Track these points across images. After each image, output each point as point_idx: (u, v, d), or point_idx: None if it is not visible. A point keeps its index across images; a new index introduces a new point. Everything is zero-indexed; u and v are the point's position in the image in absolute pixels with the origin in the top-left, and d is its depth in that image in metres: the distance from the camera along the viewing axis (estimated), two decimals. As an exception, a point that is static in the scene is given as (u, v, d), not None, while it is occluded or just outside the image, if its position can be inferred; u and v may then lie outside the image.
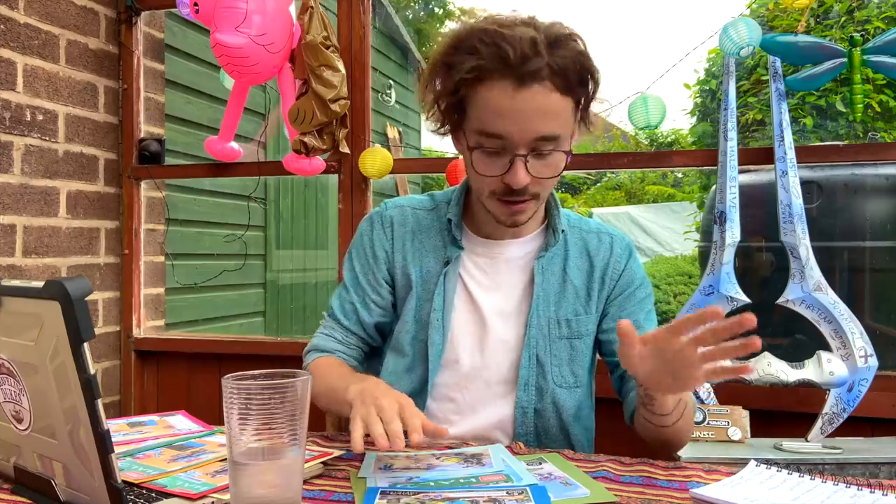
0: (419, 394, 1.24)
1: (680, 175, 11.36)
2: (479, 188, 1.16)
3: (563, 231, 1.25)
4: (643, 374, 0.97)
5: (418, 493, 0.87)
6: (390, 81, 6.35)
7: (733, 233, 1.76)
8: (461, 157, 1.35)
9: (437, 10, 12.67)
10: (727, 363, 0.90)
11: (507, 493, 0.87)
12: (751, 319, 0.83)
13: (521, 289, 1.24)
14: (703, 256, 2.22)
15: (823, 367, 1.64)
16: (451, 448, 1.09)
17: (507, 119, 1.06)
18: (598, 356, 1.32)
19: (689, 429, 1.16)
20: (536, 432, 1.22)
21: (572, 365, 1.23)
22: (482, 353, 1.22)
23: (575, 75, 1.07)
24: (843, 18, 4.67)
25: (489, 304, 1.23)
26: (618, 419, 1.27)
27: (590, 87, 1.12)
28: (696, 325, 0.87)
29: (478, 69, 1.06)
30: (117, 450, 0.92)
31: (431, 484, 0.90)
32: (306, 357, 1.33)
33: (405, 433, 0.95)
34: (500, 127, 1.07)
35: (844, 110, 4.25)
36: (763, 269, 2.14)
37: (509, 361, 1.22)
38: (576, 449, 1.25)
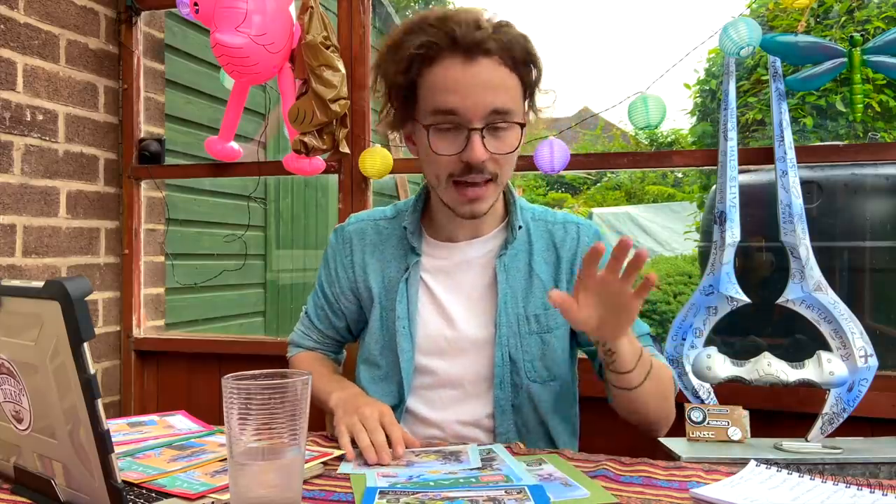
0: (397, 401, 1.25)
1: (680, 175, 11.37)
2: (436, 174, 1.16)
3: (521, 227, 1.26)
4: (592, 326, 1.01)
5: (418, 492, 0.87)
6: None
7: (733, 233, 1.76)
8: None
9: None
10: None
11: (506, 492, 0.87)
12: (626, 240, 0.93)
13: (484, 288, 1.24)
14: (703, 256, 2.22)
15: (823, 367, 1.64)
16: (430, 447, 1.10)
17: (459, 93, 1.09)
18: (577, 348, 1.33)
19: (660, 394, 1.16)
20: (516, 428, 1.23)
21: (545, 360, 1.24)
22: (454, 355, 1.23)
23: (520, 53, 1.12)
24: (843, 18, 4.67)
25: (455, 305, 1.24)
26: (613, 417, 1.26)
27: (533, 72, 1.15)
28: (596, 257, 0.97)
29: (426, 45, 1.10)
30: (117, 450, 0.92)
31: (431, 484, 0.90)
32: (289, 349, 1.46)
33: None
34: (454, 101, 1.09)
35: (844, 110, 4.25)
36: (763, 269, 2.14)
37: (483, 361, 1.23)
38: (557, 441, 1.26)
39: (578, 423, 1.34)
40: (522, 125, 1.15)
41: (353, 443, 1.04)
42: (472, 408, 1.23)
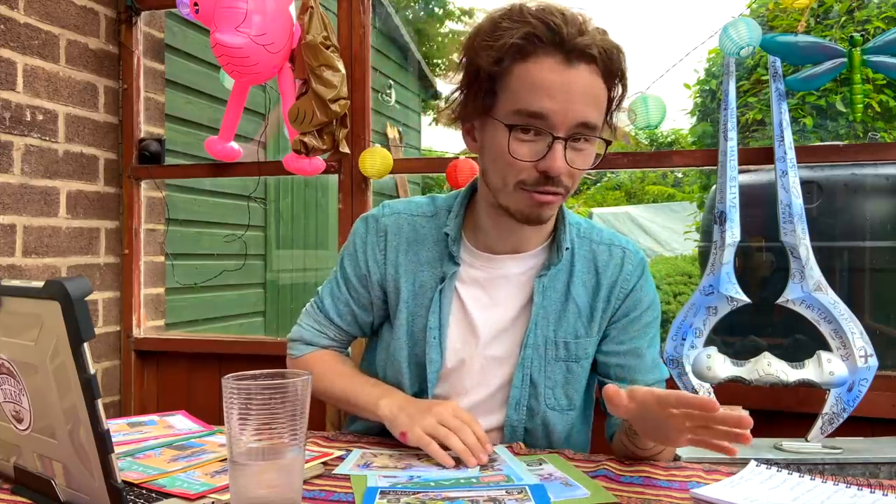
0: None
1: (680, 175, 11.36)
2: (504, 177, 1.07)
3: (568, 248, 1.18)
4: (630, 420, 0.97)
5: (418, 492, 0.87)
6: (390, 81, 6.35)
7: (733, 233, 1.76)
8: (461, 156, 1.30)
9: (437, 10, 12.67)
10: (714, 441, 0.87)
11: (506, 492, 0.87)
12: (748, 421, 0.81)
13: (518, 307, 1.18)
14: (703, 256, 2.22)
15: (823, 367, 1.64)
16: None
17: (553, 97, 1.00)
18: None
19: (668, 455, 1.10)
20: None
21: (567, 388, 1.18)
22: (474, 369, 1.18)
23: (616, 66, 1.05)
24: (843, 18, 4.67)
25: (484, 320, 1.18)
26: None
27: (620, 88, 1.08)
28: (686, 407, 0.85)
29: (527, 37, 1.00)
30: (117, 450, 0.92)
31: (432, 484, 0.90)
32: (293, 347, 1.31)
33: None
34: (545, 104, 1.01)
35: (844, 110, 4.25)
36: (763, 269, 2.14)
37: (501, 379, 1.18)
38: None
39: (589, 444, 1.29)
40: (608, 142, 1.08)
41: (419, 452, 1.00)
42: (484, 422, 1.16)
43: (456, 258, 1.18)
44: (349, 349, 1.36)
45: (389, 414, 1.09)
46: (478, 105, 1.08)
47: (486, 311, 1.18)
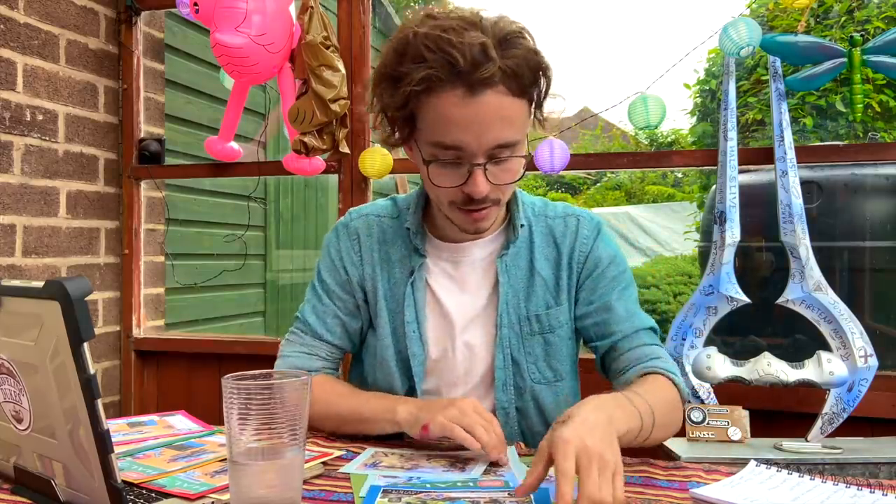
0: None
1: (680, 175, 11.36)
2: (437, 199, 1.14)
3: (523, 225, 1.23)
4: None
5: (420, 492, 0.87)
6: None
7: (733, 233, 1.76)
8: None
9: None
10: None
11: (508, 494, 0.87)
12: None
13: (488, 290, 1.21)
14: (703, 256, 2.22)
15: (823, 367, 1.64)
16: (444, 451, 1.08)
17: (461, 129, 1.02)
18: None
19: (666, 426, 1.09)
20: (521, 430, 1.21)
21: (549, 360, 1.21)
22: (455, 358, 1.21)
23: (528, 75, 1.04)
24: (843, 18, 4.67)
25: (457, 308, 1.21)
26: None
27: (542, 84, 1.08)
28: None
29: (426, 80, 1.01)
30: (117, 450, 0.92)
31: (428, 486, 0.90)
32: None
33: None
34: (456, 137, 1.03)
35: (844, 110, 4.25)
36: (763, 269, 2.14)
37: (484, 364, 1.20)
38: None
39: None
40: (526, 158, 1.10)
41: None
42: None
43: (420, 250, 1.22)
44: (339, 372, 1.33)
45: (409, 416, 1.07)
46: (400, 135, 1.12)
47: (457, 298, 1.22)
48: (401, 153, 1.37)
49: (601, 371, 1.26)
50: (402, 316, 1.21)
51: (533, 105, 1.09)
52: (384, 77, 1.08)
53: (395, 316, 1.22)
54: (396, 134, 1.12)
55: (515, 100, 1.04)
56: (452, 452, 1.06)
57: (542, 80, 1.08)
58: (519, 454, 1.06)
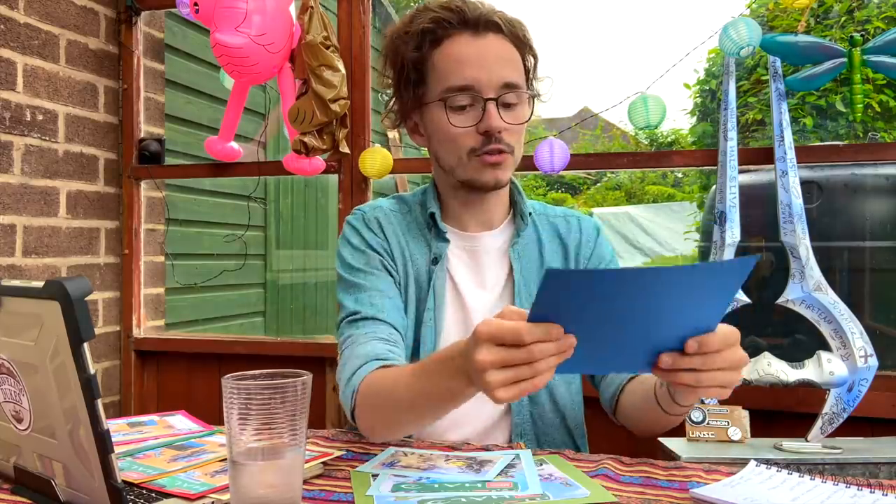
0: None
1: (680, 175, 11.37)
2: (456, 152, 1.16)
3: (531, 213, 1.27)
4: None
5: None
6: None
7: (733, 233, 1.76)
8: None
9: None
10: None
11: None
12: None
13: (503, 281, 1.24)
14: (703, 256, 2.22)
15: (823, 367, 1.64)
16: (463, 451, 1.07)
17: (472, 66, 1.13)
18: None
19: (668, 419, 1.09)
20: (532, 419, 1.20)
21: None
22: None
23: (522, 35, 1.18)
24: (843, 18, 4.67)
25: (474, 299, 1.23)
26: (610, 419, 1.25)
27: (531, 59, 1.21)
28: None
29: (436, 21, 1.14)
30: (117, 450, 0.92)
31: (436, 486, 0.90)
32: (350, 381, 1.06)
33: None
34: (468, 75, 1.13)
35: (844, 110, 4.25)
36: (763, 269, 2.14)
37: None
38: (574, 432, 1.24)
39: (584, 428, 1.30)
40: (533, 97, 1.19)
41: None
42: (489, 405, 1.17)
43: (444, 234, 1.24)
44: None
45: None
46: (412, 97, 1.20)
47: (476, 289, 1.23)
48: (401, 153, 1.38)
49: (590, 378, 1.27)
50: (424, 303, 1.22)
51: (527, 74, 1.20)
52: (396, 31, 1.20)
53: (418, 303, 1.23)
54: (411, 95, 1.19)
55: (515, 50, 1.17)
56: (472, 453, 1.05)
57: (531, 56, 1.21)
58: (534, 454, 1.05)
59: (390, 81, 1.24)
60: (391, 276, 1.21)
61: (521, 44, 1.18)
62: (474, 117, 1.14)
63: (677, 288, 0.76)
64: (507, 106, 1.15)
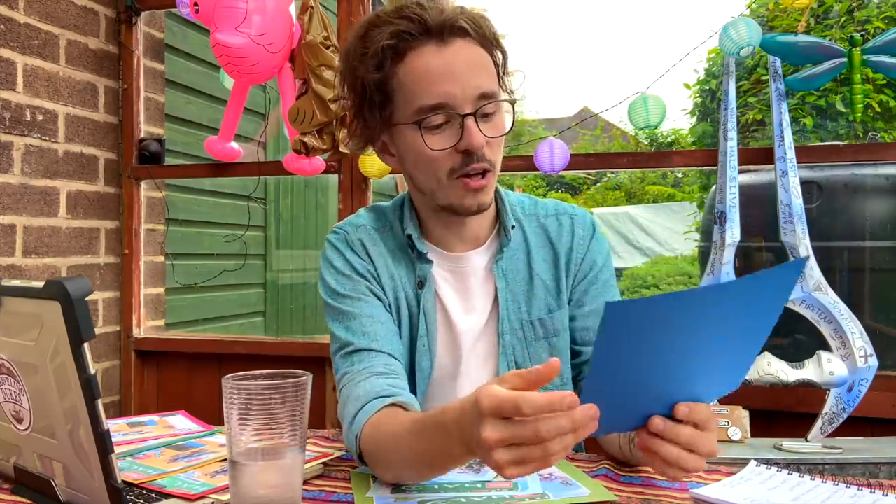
0: None
1: (680, 175, 11.37)
2: (435, 174, 1.06)
3: (514, 226, 1.18)
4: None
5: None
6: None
7: (733, 233, 1.76)
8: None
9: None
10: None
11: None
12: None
13: (490, 301, 1.16)
14: (703, 256, 2.22)
15: (823, 367, 1.64)
16: None
17: (443, 81, 1.02)
18: None
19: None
20: None
21: None
22: (461, 369, 1.16)
23: (489, 33, 1.07)
24: (843, 18, 4.67)
25: (461, 320, 1.16)
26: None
27: (500, 54, 1.10)
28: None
29: (397, 35, 1.03)
30: (117, 450, 0.92)
31: (435, 487, 0.90)
32: (352, 427, 0.98)
33: None
34: (441, 90, 1.02)
35: (844, 110, 4.25)
36: (763, 269, 2.14)
37: (488, 373, 1.16)
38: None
39: None
40: (512, 103, 1.09)
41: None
42: None
43: (425, 255, 1.15)
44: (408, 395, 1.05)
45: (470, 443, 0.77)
46: (379, 118, 1.08)
47: (464, 310, 1.16)
48: None
49: (572, 377, 1.22)
50: (416, 329, 1.15)
51: (498, 72, 1.09)
52: (352, 49, 1.07)
53: (411, 328, 1.16)
54: (377, 117, 1.08)
55: (484, 52, 1.06)
56: None
57: (499, 51, 1.10)
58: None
59: (351, 103, 1.11)
60: (380, 300, 1.13)
61: (490, 43, 1.07)
62: (452, 136, 1.03)
63: (736, 302, 0.73)
64: (485, 116, 1.05)
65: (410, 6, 1.04)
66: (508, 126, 1.08)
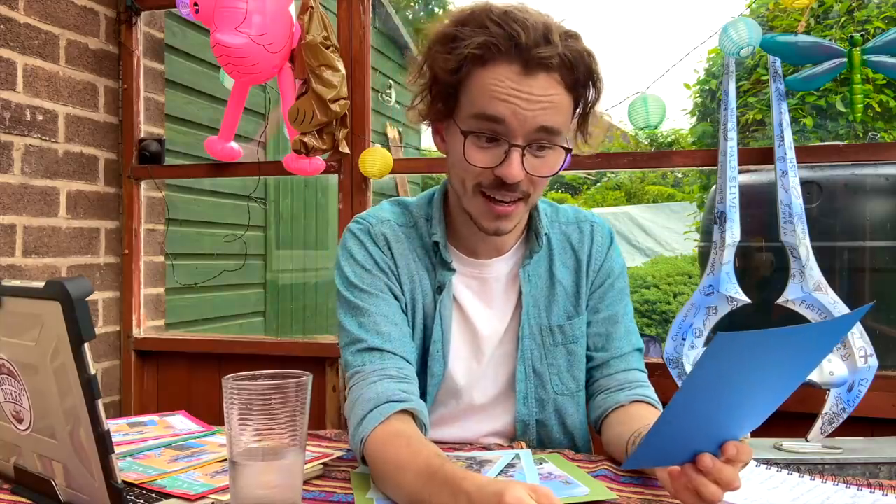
0: None
1: (680, 175, 11.37)
2: (462, 181, 1.06)
3: (547, 234, 1.18)
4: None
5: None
6: (390, 81, 6.35)
7: (733, 233, 1.76)
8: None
9: (437, 10, 12.68)
10: None
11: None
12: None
13: (512, 303, 1.16)
14: (703, 256, 2.22)
15: (823, 367, 1.64)
16: (463, 451, 1.07)
17: (508, 103, 0.98)
18: None
19: None
20: (539, 440, 1.18)
21: (572, 370, 1.18)
22: (479, 375, 1.16)
23: (583, 73, 1.02)
24: (843, 18, 4.68)
25: (484, 326, 1.16)
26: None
27: (592, 92, 1.06)
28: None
29: (485, 46, 0.98)
30: (117, 450, 0.92)
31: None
32: (359, 429, 0.97)
33: None
34: (500, 110, 0.99)
35: (844, 110, 4.25)
36: (763, 269, 2.14)
37: (505, 377, 1.16)
38: (578, 449, 1.21)
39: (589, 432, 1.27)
40: (568, 150, 1.05)
41: None
42: (494, 423, 1.17)
43: (450, 265, 1.14)
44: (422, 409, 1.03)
45: None
46: (441, 108, 1.07)
47: (485, 316, 1.16)
48: (401, 153, 1.34)
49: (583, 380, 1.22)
50: (430, 331, 1.14)
51: (578, 111, 1.06)
52: (442, 38, 1.04)
53: (425, 330, 1.15)
54: (440, 105, 1.07)
55: (566, 93, 1.02)
56: (473, 453, 1.05)
57: (592, 90, 1.05)
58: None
59: (424, 82, 1.09)
60: (397, 299, 1.12)
61: (579, 85, 1.02)
62: (495, 157, 1.01)
63: (811, 343, 0.74)
64: (538, 151, 1.02)
65: (518, 17, 0.99)
66: (558, 167, 1.05)
